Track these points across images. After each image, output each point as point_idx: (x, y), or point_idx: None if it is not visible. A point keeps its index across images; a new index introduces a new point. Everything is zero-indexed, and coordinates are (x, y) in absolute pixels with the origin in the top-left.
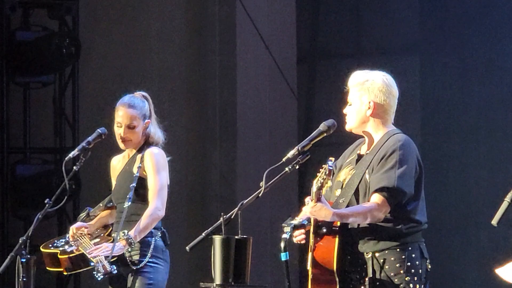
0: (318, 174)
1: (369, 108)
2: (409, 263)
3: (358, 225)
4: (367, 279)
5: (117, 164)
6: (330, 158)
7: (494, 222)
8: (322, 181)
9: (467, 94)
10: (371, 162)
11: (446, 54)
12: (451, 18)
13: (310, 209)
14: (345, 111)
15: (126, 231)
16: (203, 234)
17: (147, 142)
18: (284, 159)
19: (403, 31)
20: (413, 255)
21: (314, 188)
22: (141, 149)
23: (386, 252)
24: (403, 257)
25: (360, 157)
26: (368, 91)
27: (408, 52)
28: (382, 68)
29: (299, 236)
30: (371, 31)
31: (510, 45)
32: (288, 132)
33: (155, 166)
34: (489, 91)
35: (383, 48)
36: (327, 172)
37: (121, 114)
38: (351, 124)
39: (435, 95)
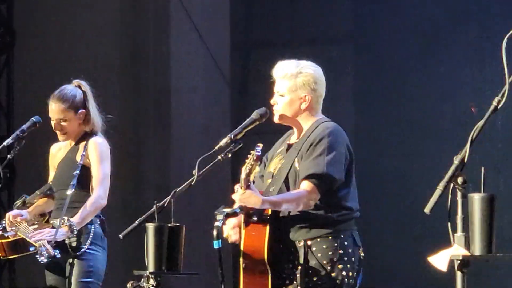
0: (246, 160)
1: (304, 101)
2: (341, 251)
3: (289, 213)
4: (299, 267)
5: (57, 152)
6: (258, 144)
7: (427, 210)
8: (250, 167)
9: (401, 84)
10: (300, 150)
11: (380, 43)
12: (385, 7)
13: (239, 197)
14: (272, 102)
15: (68, 217)
16: (136, 222)
17: (89, 131)
18: (216, 147)
19: (337, 20)
20: (346, 243)
21: (242, 175)
22: (83, 138)
23: (318, 240)
24: (336, 244)
25: (289, 146)
26: (303, 85)
27: (342, 41)
28: (316, 57)
29: (234, 236)
30: (305, 20)
31: (445, 36)
32: (222, 120)
33: (99, 156)
34: (423, 81)
35: (317, 37)
36: (255, 158)
37: (51, 109)
38: (283, 117)
39: (369, 84)
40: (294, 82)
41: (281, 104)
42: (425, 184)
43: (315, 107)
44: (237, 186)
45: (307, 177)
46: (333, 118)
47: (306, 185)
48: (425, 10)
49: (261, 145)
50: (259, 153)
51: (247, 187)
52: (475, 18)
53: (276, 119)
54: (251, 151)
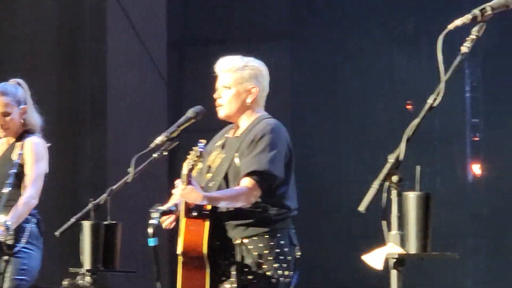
0: (188, 156)
1: (250, 94)
2: (278, 250)
3: (228, 209)
4: (235, 265)
5: None
6: (201, 141)
7: (361, 208)
8: (192, 163)
9: (337, 82)
10: (240, 145)
11: (315, 40)
12: (321, 4)
13: (180, 192)
14: (216, 95)
15: (3, 216)
16: (72, 219)
17: (26, 130)
18: (152, 145)
19: (273, 17)
20: (282, 242)
21: (184, 171)
22: (21, 137)
23: (255, 238)
24: (272, 243)
25: (228, 140)
26: (250, 77)
27: (279, 39)
28: (253, 54)
29: (167, 220)
30: (241, 17)
31: (381, 32)
32: (158, 118)
33: (35, 156)
34: (360, 77)
35: (253, 34)
36: (198, 154)
37: None
38: (227, 110)
39: (306, 82)
40: (241, 75)
41: (226, 97)
42: (362, 182)
43: (259, 102)
44: (178, 181)
45: (249, 174)
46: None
47: (247, 182)
48: (360, 7)
49: (204, 141)
50: (202, 149)
51: (188, 182)
52: (412, 15)
53: (220, 114)
54: (193, 147)
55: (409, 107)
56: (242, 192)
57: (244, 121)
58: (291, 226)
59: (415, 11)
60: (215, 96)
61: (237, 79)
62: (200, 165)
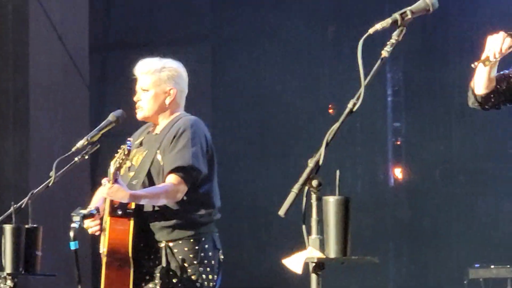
0: (116, 155)
1: (169, 95)
2: (202, 254)
3: (153, 208)
4: (159, 267)
5: None
6: (129, 139)
7: (281, 212)
8: (120, 161)
9: (259, 84)
10: (162, 142)
11: (237, 43)
12: (243, 8)
13: (107, 190)
14: (136, 98)
15: None
16: None
17: None
18: (73, 149)
19: (194, 20)
20: (206, 246)
21: (111, 169)
22: None
23: (180, 242)
24: (197, 247)
25: (150, 138)
26: (167, 78)
27: (200, 41)
28: (174, 57)
29: (94, 228)
30: (163, 21)
31: (302, 37)
32: (80, 121)
33: None
34: (281, 82)
35: (175, 37)
36: (126, 153)
37: None
38: (146, 112)
39: (227, 84)
40: (159, 77)
41: (145, 100)
42: (283, 185)
43: (178, 103)
44: (104, 180)
45: (173, 170)
46: None
47: (172, 179)
48: (283, 11)
49: (132, 139)
50: (130, 148)
51: (115, 181)
52: (334, 19)
53: (139, 116)
54: (121, 146)
55: (331, 111)
56: (167, 189)
57: (163, 121)
58: (215, 230)
59: (337, 15)
60: (134, 98)
61: (155, 81)
62: (128, 163)
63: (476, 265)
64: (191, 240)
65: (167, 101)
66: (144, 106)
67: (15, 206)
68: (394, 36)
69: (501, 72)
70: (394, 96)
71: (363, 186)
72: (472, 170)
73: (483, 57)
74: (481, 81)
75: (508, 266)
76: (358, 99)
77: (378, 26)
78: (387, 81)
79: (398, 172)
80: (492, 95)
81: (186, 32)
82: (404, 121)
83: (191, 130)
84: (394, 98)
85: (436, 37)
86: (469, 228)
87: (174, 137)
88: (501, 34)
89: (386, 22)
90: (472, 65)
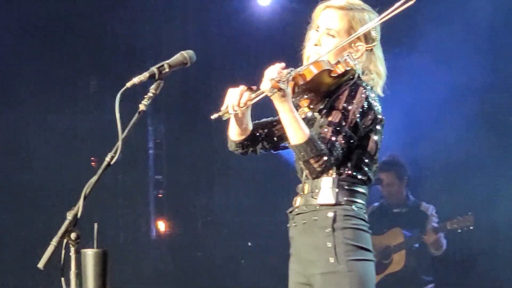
0: None
1: None
2: None
3: None
4: None
5: None
6: None
7: (40, 265)
8: None
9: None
10: None
11: None
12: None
13: None
14: None
15: None
16: None
17: None
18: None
19: None
20: None
21: None
22: None
23: None
24: None
25: None
26: None
27: None
28: None
29: None
30: None
31: (67, 91)
32: None
33: None
34: (45, 139)
35: None
36: None
37: None
38: None
39: None
40: None
41: None
42: (45, 237)
43: None
44: None
45: None
46: None
47: None
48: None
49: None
50: None
51: None
52: (96, 73)
53: None
54: None
55: (93, 164)
56: None
57: None
58: None
59: (99, 68)
60: None
61: None
62: None
63: None
64: None
65: None
66: None
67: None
68: (152, 90)
69: (265, 119)
70: (156, 148)
71: (126, 238)
72: (237, 222)
73: (222, 109)
74: (233, 129)
75: None
76: (115, 152)
77: (136, 79)
78: (148, 134)
79: (160, 224)
80: (248, 141)
81: None
82: (165, 173)
83: None
84: (156, 151)
85: (197, 89)
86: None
87: None
88: (241, 87)
89: (144, 76)
90: (212, 117)
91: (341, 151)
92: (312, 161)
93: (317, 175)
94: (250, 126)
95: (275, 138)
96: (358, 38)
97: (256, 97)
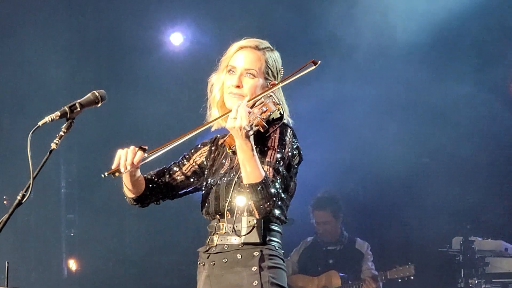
0: None
1: None
2: None
3: None
4: None
5: None
6: None
7: None
8: None
9: None
10: None
11: None
12: None
13: None
14: None
15: None
16: None
17: None
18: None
19: None
20: None
21: None
22: None
23: None
24: None
25: None
26: None
27: None
28: None
29: None
30: None
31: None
32: None
33: None
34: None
35: None
36: None
37: None
38: None
39: None
40: None
41: None
42: None
43: None
44: None
45: None
46: None
47: None
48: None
49: None
50: None
51: None
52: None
53: None
54: None
55: (5, 202)
56: None
57: None
58: None
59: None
60: None
61: None
62: None
63: None
64: None
65: None
66: None
67: None
68: (63, 129)
69: (159, 168)
70: (68, 188)
71: (37, 276)
72: (142, 263)
73: (113, 167)
74: (128, 186)
75: None
76: (27, 190)
77: (47, 118)
78: (61, 173)
79: (72, 263)
80: (148, 192)
81: None
82: (77, 212)
83: None
84: (67, 190)
85: (116, 127)
86: None
87: None
88: (132, 148)
89: (55, 115)
90: (102, 175)
91: (280, 191)
92: (263, 201)
93: (265, 214)
94: (142, 179)
95: (175, 185)
96: (273, 75)
97: (153, 153)
